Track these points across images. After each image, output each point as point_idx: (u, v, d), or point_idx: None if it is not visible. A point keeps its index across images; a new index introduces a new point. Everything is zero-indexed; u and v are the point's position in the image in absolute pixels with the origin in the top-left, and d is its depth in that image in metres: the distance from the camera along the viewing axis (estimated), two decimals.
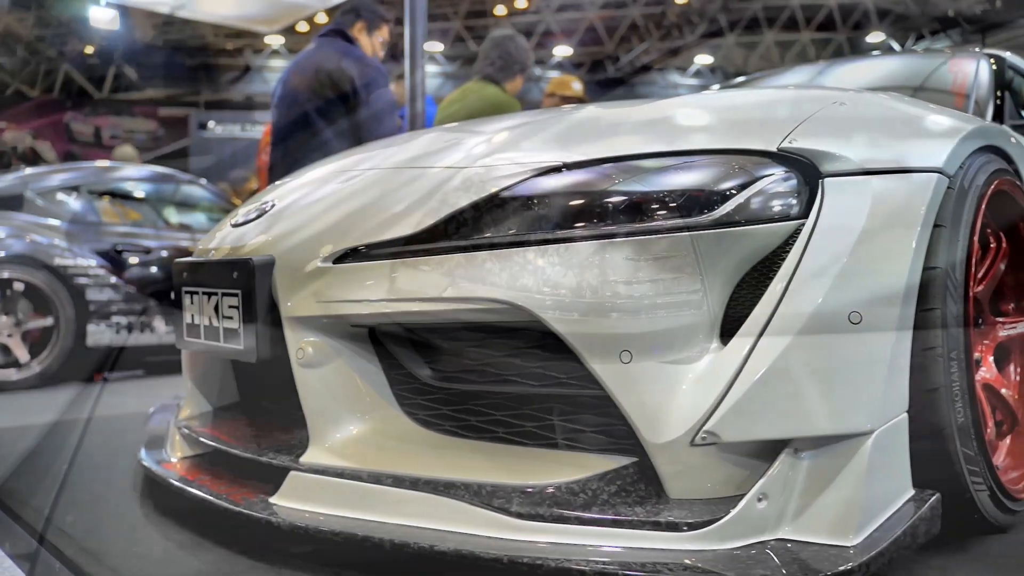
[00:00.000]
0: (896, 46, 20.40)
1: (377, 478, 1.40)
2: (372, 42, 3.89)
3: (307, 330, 1.49)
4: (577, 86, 5.07)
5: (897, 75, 3.16)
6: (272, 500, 1.47)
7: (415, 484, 1.36)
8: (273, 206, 1.74)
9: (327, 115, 3.43)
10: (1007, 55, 2.87)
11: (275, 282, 1.54)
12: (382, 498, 1.38)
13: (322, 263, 1.49)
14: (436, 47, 23.76)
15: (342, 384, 1.48)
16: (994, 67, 2.71)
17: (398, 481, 1.38)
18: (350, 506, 1.40)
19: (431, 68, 23.56)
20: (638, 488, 1.31)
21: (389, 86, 3.59)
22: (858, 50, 21.04)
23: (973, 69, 2.75)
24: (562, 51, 23.38)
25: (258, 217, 1.74)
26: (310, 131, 3.54)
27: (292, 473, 1.47)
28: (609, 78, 23.21)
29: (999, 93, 2.64)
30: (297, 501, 1.45)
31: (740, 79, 3.71)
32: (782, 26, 21.99)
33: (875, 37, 21.15)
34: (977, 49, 3.00)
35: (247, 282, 1.56)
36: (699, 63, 23.48)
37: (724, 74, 22.31)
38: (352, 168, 1.79)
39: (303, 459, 1.49)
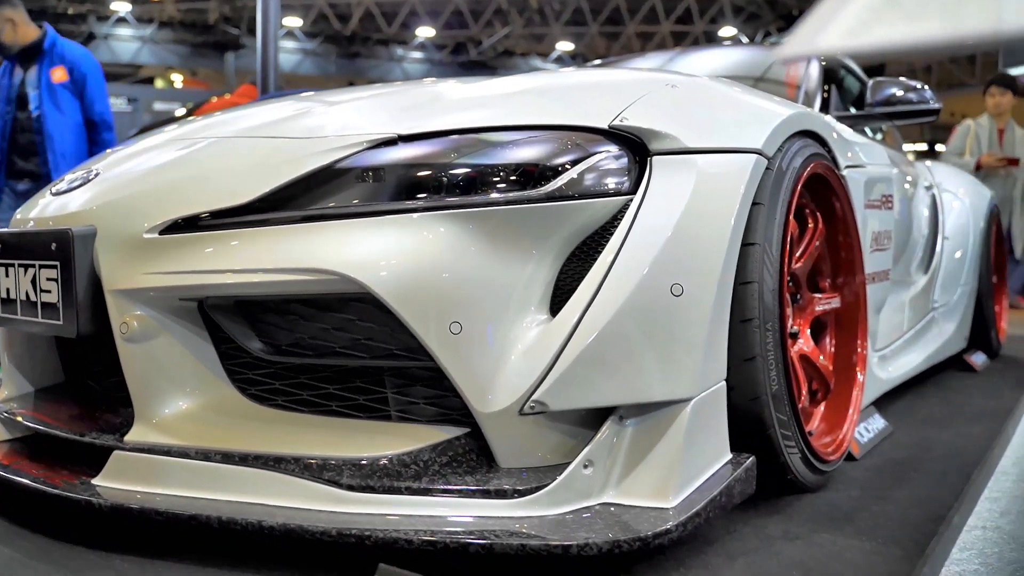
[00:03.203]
0: (745, 40, 21.42)
1: (206, 455, 1.36)
2: None
3: (132, 303, 1.43)
4: None
5: (741, 65, 3.31)
6: (95, 482, 1.41)
7: (244, 460, 1.34)
8: (98, 174, 1.65)
9: None
10: None
11: (97, 253, 1.47)
12: (211, 475, 1.34)
13: (148, 234, 1.43)
14: (295, 22, 23.11)
15: (169, 359, 1.43)
16: (824, 63, 2.89)
17: (227, 457, 1.35)
18: (177, 484, 1.35)
19: (289, 44, 22.90)
20: (469, 458, 1.33)
21: None
22: (713, 42, 21.97)
23: (805, 64, 2.92)
24: (425, 32, 23.24)
25: (82, 185, 1.64)
26: None
27: (116, 453, 1.41)
28: (471, 60, 23.28)
29: (827, 87, 2.81)
30: (121, 481, 1.39)
31: (596, 62, 3.79)
32: (643, 18, 22.70)
33: (728, 31, 22.17)
34: None
35: (66, 253, 1.48)
36: (560, 50, 23.90)
37: (585, 60, 22.79)
38: (189, 136, 1.72)
39: (128, 438, 1.43)
